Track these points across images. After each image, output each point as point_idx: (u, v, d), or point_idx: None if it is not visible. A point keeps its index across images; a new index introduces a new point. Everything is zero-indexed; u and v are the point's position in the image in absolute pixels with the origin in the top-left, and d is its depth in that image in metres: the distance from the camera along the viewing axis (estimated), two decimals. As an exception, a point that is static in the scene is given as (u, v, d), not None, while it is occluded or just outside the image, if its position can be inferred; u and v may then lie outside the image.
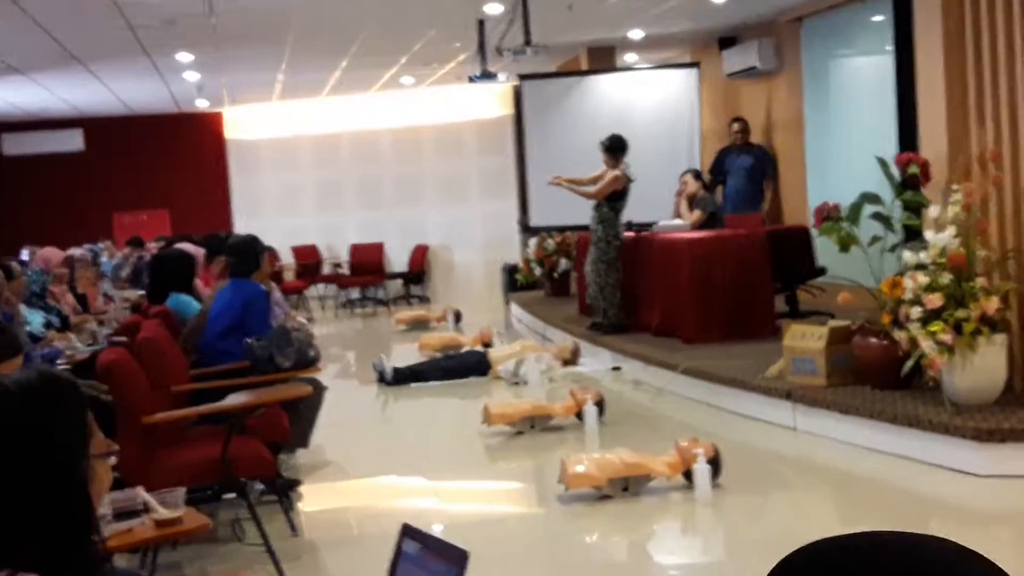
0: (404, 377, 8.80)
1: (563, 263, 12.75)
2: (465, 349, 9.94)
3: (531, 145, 12.97)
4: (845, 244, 6.15)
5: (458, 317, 12.66)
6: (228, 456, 4.33)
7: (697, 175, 9.96)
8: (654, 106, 12.34)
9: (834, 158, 10.18)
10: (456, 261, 16.23)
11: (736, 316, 8.20)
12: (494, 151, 15.99)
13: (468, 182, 16.13)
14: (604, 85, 12.65)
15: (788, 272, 8.63)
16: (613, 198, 9.00)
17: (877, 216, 6.21)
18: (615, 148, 9.06)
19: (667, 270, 8.63)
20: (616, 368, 8.58)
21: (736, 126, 11.38)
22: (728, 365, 7.08)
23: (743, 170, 11.24)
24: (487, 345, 10.05)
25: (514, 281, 14.07)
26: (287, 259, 16.06)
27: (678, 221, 9.51)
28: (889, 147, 8.36)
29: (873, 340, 5.92)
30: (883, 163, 6.25)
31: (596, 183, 8.96)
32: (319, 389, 6.21)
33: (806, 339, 6.30)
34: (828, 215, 6.29)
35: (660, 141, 12.04)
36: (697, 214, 9.59)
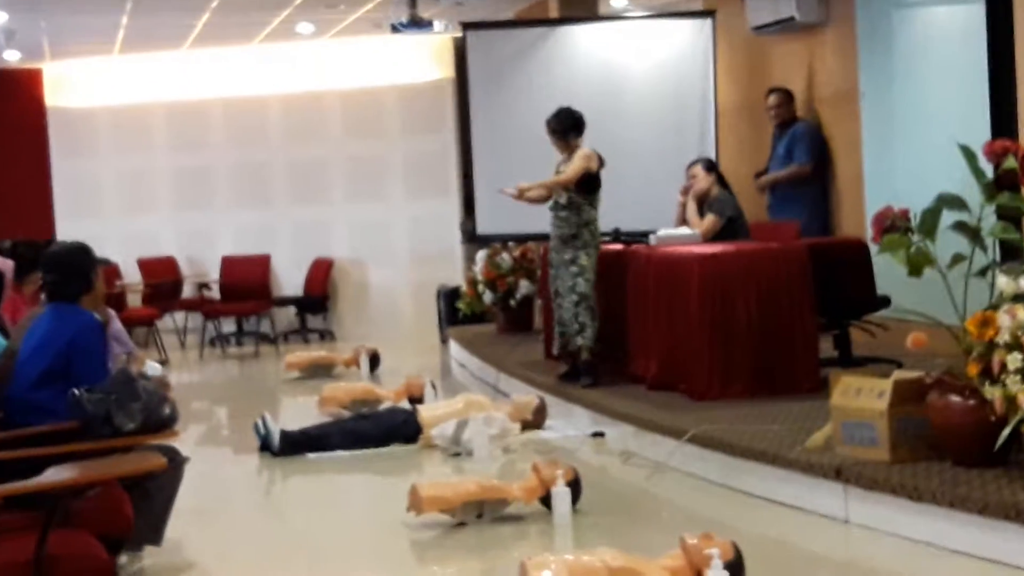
0: (298, 445, 8.75)
1: (523, 286, 12.79)
2: (385, 406, 9.90)
3: (478, 121, 12.97)
4: (916, 265, 6.20)
5: (375, 361, 12.64)
6: (45, 556, 4.26)
7: (710, 166, 10.02)
8: (651, 70, 12.42)
9: (901, 146, 10.29)
10: (372, 282, 16.23)
11: (765, 363, 8.23)
12: (427, 129, 16.04)
13: (390, 172, 16.14)
14: (581, 39, 12.73)
15: (838, 303, 8.69)
16: (591, 188, 9.06)
17: (960, 227, 6.27)
18: (567, 127, 9.18)
19: (669, 298, 8.66)
20: (598, 434, 8.59)
21: (773, 99, 11.44)
22: (754, 432, 7.10)
23: (781, 160, 11.33)
24: (416, 400, 10.01)
25: (454, 311, 14.09)
26: (132, 277, 15.96)
27: (684, 230, 9.55)
28: (977, 131, 8.44)
29: (955, 399, 5.96)
30: (968, 153, 6.31)
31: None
32: (177, 462, 6.15)
33: (863, 397, 6.33)
34: (892, 224, 6.34)
35: (659, 119, 12.11)
36: (711, 220, 9.63)
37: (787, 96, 11.40)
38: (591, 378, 9.14)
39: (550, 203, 9.23)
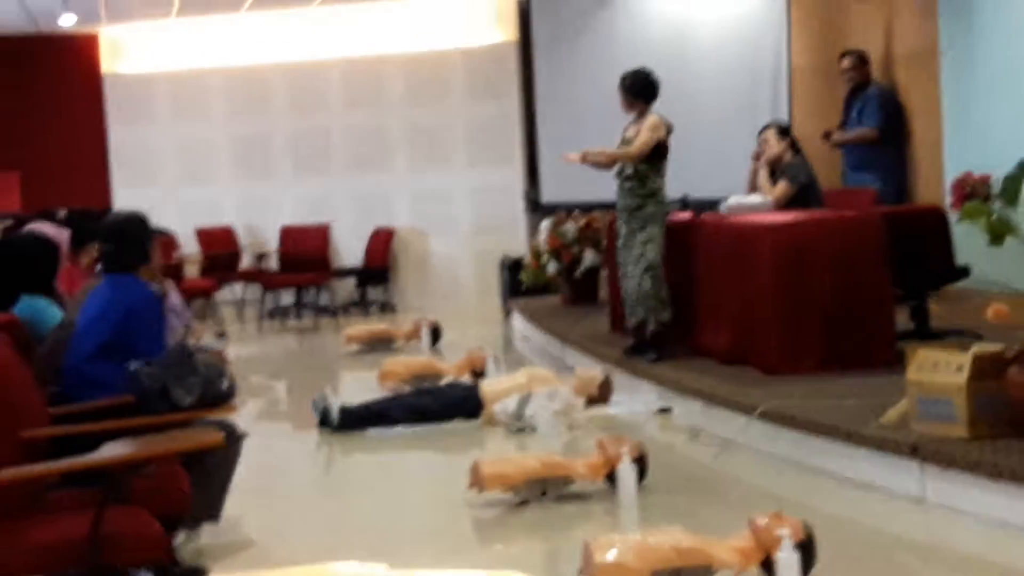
0: (358, 420, 8.81)
1: (588, 257, 12.79)
2: (447, 380, 9.96)
3: (543, 87, 13.04)
4: (997, 234, 6.17)
5: (436, 334, 12.71)
6: (101, 534, 4.33)
7: (783, 131, 9.99)
8: (722, 29, 12.38)
9: (982, 108, 10.19)
10: (433, 252, 16.31)
11: (839, 337, 8.19)
12: (490, 95, 16.05)
13: (452, 139, 16.19)
14: (651, 1, 12.69)
15: (915, 273, 8.63)
16: (657, 156, 9.06)
17: (1044, 193, 6.22)
18: (637, 90, 9.14)
19: (740, 269, 8.64)
20: (665, 410, 8.61)
21: (847, 62, 11.39)
22: (827, 407, 7.08)
23: (854, 123, 11.28)
24: (478, 375, 10.06)
25: (517, 282, 14.13)
26: (190, 248, 16.12)
27: (755, 198, 9.52)
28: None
29: (1037, 373, 5.92)
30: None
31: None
32: (235, 438, 6.21)
33: (940, 371, 6.30)
34: (972, 191, 6.33)
35: (730, 81, 12.07)
36: (783, 187, 9.60)
37: (861, 59, 11.35)
38: (657, 352, 9.14)
39: (615, 171, 9.22)
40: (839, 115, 11.56)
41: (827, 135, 11.43)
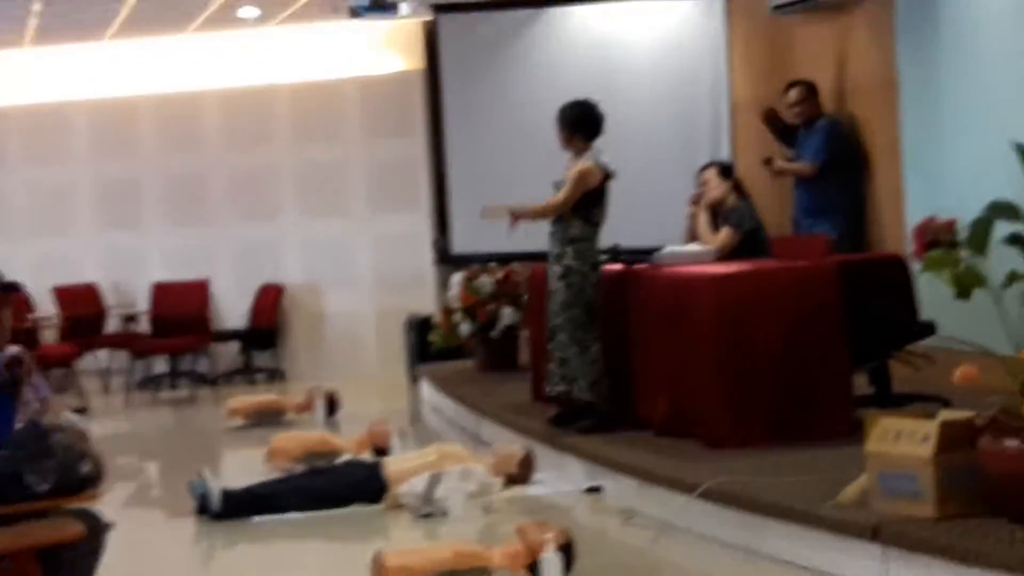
0: (242, 506, 8.73)
1: (507, 315, 12.80)
2: (345, 458, 9.88)
3: (453, 120, 13.07)
4: (965, 286, 6.22)
5: (332, 405, 12.67)
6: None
7: (725, 171, 10.09)
8: (654, 59, 12.50)
9: (947, 146, 10.32)
10: (329, 311, 16.26)
11: (790, 404, 8.25)
12: (393, 130, 16.08)
13: (350, 182, 16.19)
14: (572, 23, 12.82)
15: (874, 331, 8.71)
16: (586, 204, 9.06)
17: (1016, 240, 6.29)
18: (579, 123, 9.15)
19: (678, 327, 8.69)
20: (594, 489, 8.61)
21: (794, 93, 11.52)
22: (777, 485, 7.11)
23: (808, 160, 11.39)
24: (381, 452, 10.01)
25: (426, 345, 14.13)
26: (46, 309, 15.94)
27: (695, 247, 9.58)
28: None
29: (1012, 443, 5.97)
30: (1023, 154, 6.35)
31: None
32: (98, 528, 6.12)
33: (903, 442, 6.34)
34: (936, 238, 6.37)
35: (665, 116, 12.19)
36: (726, 234, 9.67)
37: (809, 90, 11.47)
38: (590, 420, 9.15)
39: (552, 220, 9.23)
40: (786, 155, 11.68)
41: (768, 161, 11.52)
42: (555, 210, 9.06)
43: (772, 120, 11.65)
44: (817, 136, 11.32)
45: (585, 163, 9.04)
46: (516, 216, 9.17)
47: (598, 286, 9.13)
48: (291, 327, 16.22)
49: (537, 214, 9.20)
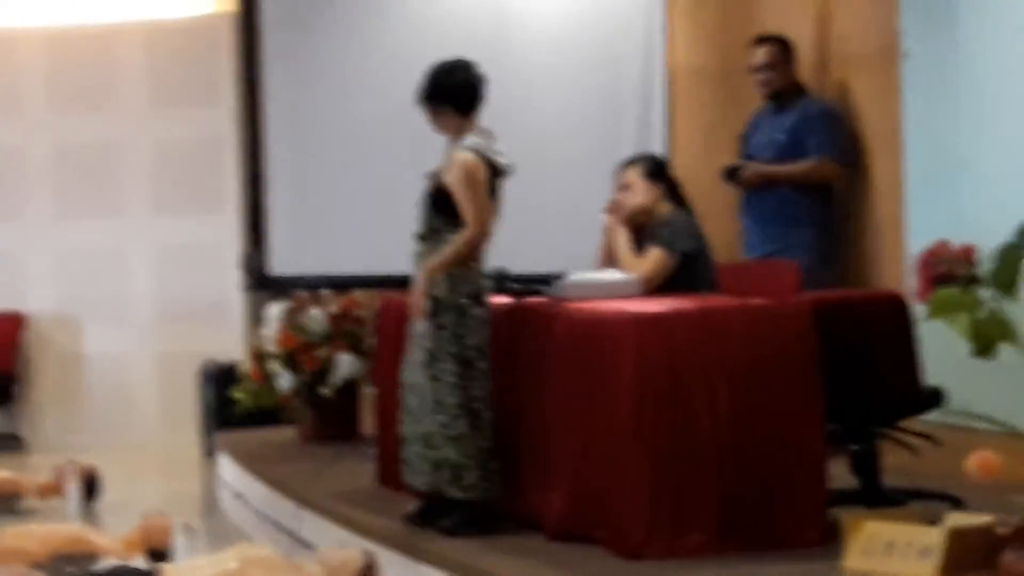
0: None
1: (345, 363, 12.78)
2: (108, 563, 9.80)
3: (276, 92, 13.02)
4: (986, 338, 6.27)
5: (92, 487, 12.57)
6: None
7: (654, 170, 10.09)
8: (562, 23, 12.55)
9: (965, 142, 10.44)
10: (90, 354, 16.22)
11: (741, 498, 8.27)
12: (189, 100, 16.09)
13: (125, 170, 16.18)
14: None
15: (860, 399, 8.78)
16: (450, 206, 9.12)
17: (1059, 275, 6.36)
18: (446, 90, 9.19)
19: (585, 387, 8.69)
20: (463, 615, 8.58)
21: (762, 53, 11.57)
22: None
23: (780, 148, 11.43)
24: (159, 556, 9.93)
25: (228, 404, 14.08)
26: None
27: (612, 274, 9.60)
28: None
29: (1048, 561, 6.03)
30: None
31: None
32: None
33: (896, 556, 6.39)
34: (949, 272, 6.42)
35: (575, 97, 12.23)
36: (656, 257, 9.72)
37: (783, 50, 11.54)
38: (460, 516, 9.13)
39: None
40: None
41: (731, 173, 11.52)
42: (468, 246, 9.00)
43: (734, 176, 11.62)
44: (820, 123, 11.36)
45: (465, 155, 9.01)
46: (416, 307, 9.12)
47: (484, 327, 9.14)
48: (35, 374, 16.19)
49: (447, 265, 9.08)
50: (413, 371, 9.19)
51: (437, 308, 9.03)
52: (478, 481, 9.09)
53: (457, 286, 9.05)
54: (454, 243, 8.98)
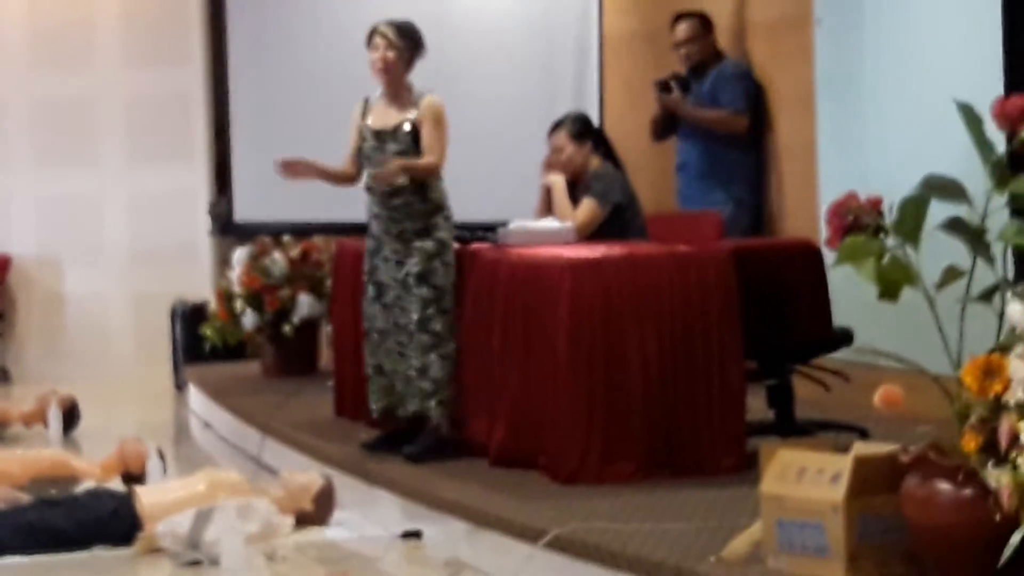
0: (-54, 547, 8.62)
1: (305, 303, 12.78)
2: (86, 486, 9.79)
3: (240, 49, 12.98)
4: (891, 283, 6.29)
5: (71, 416, 12.57)
6: None
7: (581, 130, 10.06)
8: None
9: (872, 103, 10.46)
10: (70, 293, 16.17)
11: (665, 429, 8.34)
12: (159, 57, 16.00)
13: (99, 122, 16.11)
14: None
15: (777, 338, 8.81)
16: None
17: (957, 226, 6.37)
18: (419, 43, 9.27)
19: (524, 326, 8.74)
20: (412, 534, 8.61)
21: (683, 28, 11.61)
22: (647, 533, 7.14)
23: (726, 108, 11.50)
24: (134, 479, 9.93)
25: (197, 340, 14.08)
26: None
27: (550, 222, 9.61)
28: (986, 85, 8.59)
29: (944, 487, 6.06)
30: (969, 115, 6.41)
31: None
32: None
33: (807, 481, 6.41)
34: (856, 221, 6.43)
35: (514, 57, 12.20)
36: (588, 208, 9.72)
37: (702, 25, 11.60)
38: (427, 442, 9.21)
39: (364, 182, 9.28)
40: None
41: (666, 86, 11.54)
42: (433, 169, 9.18)
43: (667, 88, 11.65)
44: (729, 83, 11.42)
45: (437, 98, 9.20)
46: (390, 174, 9.14)
47: (453, 268, 9.31)
48: (17, 313, 16.09)
49: (425, 170, 9.19)
50: (406, 311, 9.24)
51: (442, 250, 9.23)
52: (450, 404, 9.21)
53: (450, 231, 9.29)
54: (421, 162, 9.15)
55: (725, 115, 11.39)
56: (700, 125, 11.47)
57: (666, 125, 11.76)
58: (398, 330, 9.25)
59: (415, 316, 9.16)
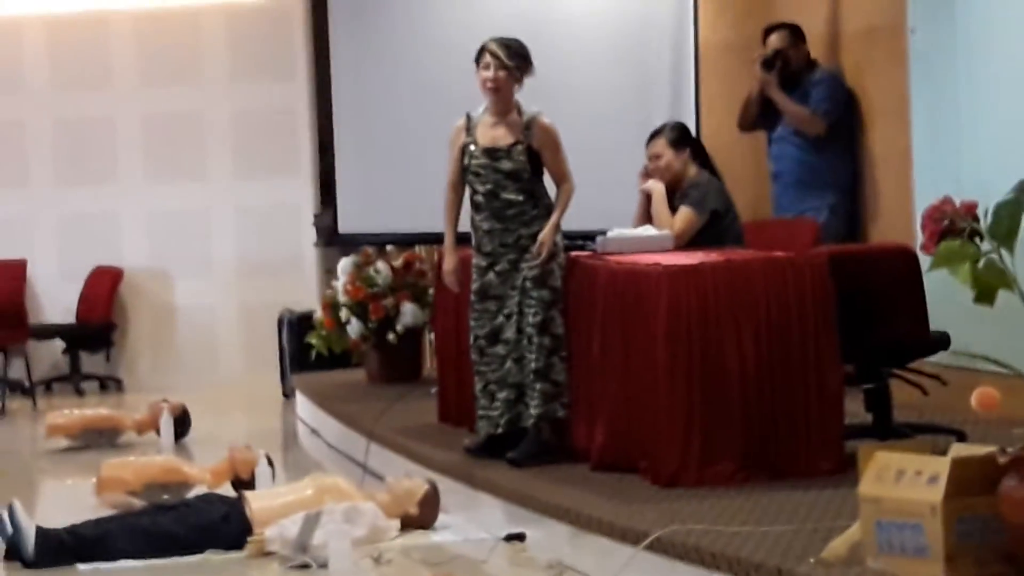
0: (63, 550, 8.67)
1: (408, 311, 12.80)
2: (197, 492, 9.85)
3: (344, 66, 13.00)
4: (986, 287, 6.25)
5: (182, 424, 12.67)
6: None
7: (680, 139, 10.03)
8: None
9: (968, 108, 10.39)
10: (180, 305, 16.26)
11: (764, 433, 8.33)
12: (266, 74, 16.09)
13: (209, 138, 16.17)
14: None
15: (873, 343, 8.77)
16: (538, 168, 9.31)
17: (1054, 230, 6.34)
18: (517, 57, 9.26)
19: (623, 333, 8.74)
20: (515, 537, 8.63)
21: (776, 39, 11.58)
22: (746, 535, 7.14)
23: (790, 128, 11.44)
24: (244, 485, 9.98)
25: (304, 349, 14.13)
26: None
27: (647, 230, 9.60)
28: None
29: (1044, 488, 6.03)
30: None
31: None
32: None
33: (906, 483, 6.38)
34: (951, 226, 6.40)
35: (612, 68, 12.20)
36: (685, 216, 9.70)
37: (795, 36, 11.54)
38: (534, 447, 9.22)
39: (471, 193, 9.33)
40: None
41: (769, 62, 11.54)
42: (572, 191, 9.32)
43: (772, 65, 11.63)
44: (818, 88, 11.38)
45: (548, 121, 9.30)
46: (549, 240, 9.22)
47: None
48: (130, 323, 16.18)
49: (567, 203, 9.34)
50: (526, 316, 9.24)
51: (556, 254, 9.27)
52: (560, 411, 9.22)
53: (557, 240, 9.30)
54: (563, 198, 9.29)
55: (806, 114, 11.33)
56: (785, 116, 11.43)
57: (757, 111, 11.71)
58: (519, 336, 9.26)
59: (537, 319, 9.17)
